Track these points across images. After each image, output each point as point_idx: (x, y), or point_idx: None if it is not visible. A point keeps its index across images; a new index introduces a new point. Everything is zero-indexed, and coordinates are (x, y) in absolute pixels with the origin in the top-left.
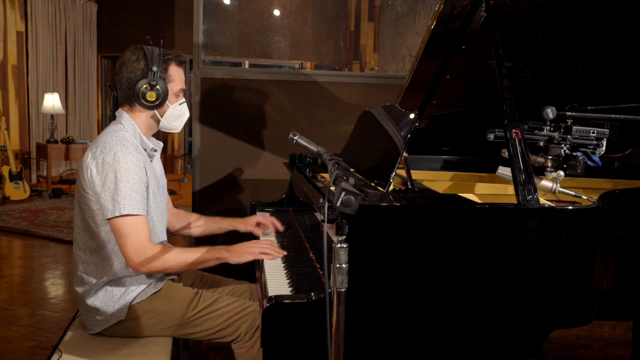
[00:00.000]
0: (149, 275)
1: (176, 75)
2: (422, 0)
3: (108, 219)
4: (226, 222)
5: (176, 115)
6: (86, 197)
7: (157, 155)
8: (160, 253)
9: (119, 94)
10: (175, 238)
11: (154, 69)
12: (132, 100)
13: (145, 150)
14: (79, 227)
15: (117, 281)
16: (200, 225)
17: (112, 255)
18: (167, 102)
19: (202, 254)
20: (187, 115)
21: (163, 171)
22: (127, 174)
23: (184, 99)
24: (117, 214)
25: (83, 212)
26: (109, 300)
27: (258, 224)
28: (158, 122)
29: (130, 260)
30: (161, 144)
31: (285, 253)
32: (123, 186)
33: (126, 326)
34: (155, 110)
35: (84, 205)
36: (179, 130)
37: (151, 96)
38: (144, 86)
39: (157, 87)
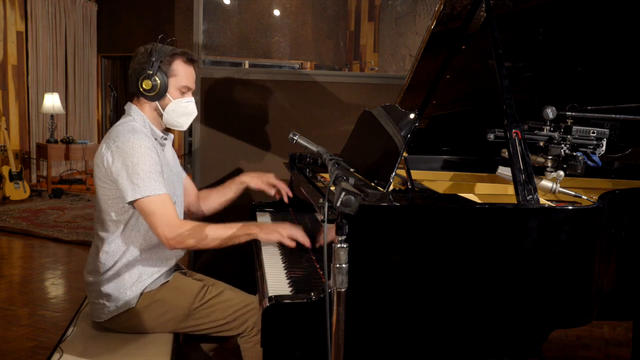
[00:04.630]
0: (160, 264)
1: (181, 71)
2: (422, 0)
3: (130, 202)
4: (235, 182)
5: (180, 112)
6: (104, 187)
7: (169, 144)
8: (193, 229)
9: (129, 87)
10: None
11: (153, 59)
12: (137, 91)
13: (155, 139)
14: (98, 219)
15: (129, 269)
16: (219, 197)
17: (128, 242)
18: (167, 95)
19: (233, 228)
20: (194, 114)
21: (177, 160)
22: (143, 157)
23: (191, 98)
24: (139, 196)
25: (101, 202)
26: (121, 287)
27: (272, 185)
28: (161, 115)
29: (163, 237)
30: (172, 135)
31: (309, 244)
32: (140, 169)
33: (134, 314)
34: (157, 103)
35: (102, 195)
36: (184, 128)
37: (147, 85)
38: (142, 75)
39: (155, 77)
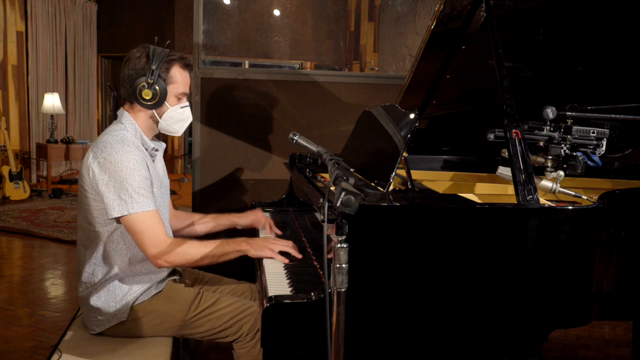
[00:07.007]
0: (150, 275)
1: (179, 78)
2: (422, 0)
3: (117, 218)
4: (224, 218)
5: (176, 118)
6: (88, 197)
7: (160, 155)
8: (180, 246)
9: (121, 91)
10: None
11: (153, 67)
12: (132, 98)
13: (146, 149)
14: (82, 228)
15: (119, 281)
16: (201, 224)
17: (114, 254)
18: (165, 103)
19: (223, 246)
20: (189, 119)
21: (166, 171)
22: (132, 172)
23: (186, 103)
24: (127, 213)
25: (85, 212)
26: (110, 300)
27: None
28: (157, 123)
29: (150, 255)
30: (163, 145)
31: (301, 256)
32: (129, 185)
33: (128, 327)
34: (153, 111)
35: (86, 205)
36: (179, 134)
37: (147, 94)
38: (142, 84)
39: (155, 86)
